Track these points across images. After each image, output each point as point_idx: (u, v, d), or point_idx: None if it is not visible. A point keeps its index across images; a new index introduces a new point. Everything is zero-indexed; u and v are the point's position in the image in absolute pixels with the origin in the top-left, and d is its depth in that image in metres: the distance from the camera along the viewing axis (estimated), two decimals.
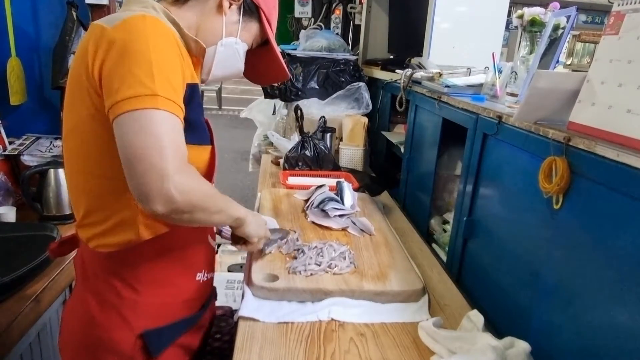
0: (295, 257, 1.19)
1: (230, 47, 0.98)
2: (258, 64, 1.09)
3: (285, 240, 1.25)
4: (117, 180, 0.83)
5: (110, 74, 0.76)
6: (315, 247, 1.22)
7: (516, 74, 1.16)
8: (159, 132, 0.73)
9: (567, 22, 1.06)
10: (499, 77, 1.30)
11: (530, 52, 1.14)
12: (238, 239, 1.07)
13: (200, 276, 1.02)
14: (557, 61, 1.06)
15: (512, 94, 1.16)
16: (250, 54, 1.05)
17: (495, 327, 1.03)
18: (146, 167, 0.72)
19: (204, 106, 1.06)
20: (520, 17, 1.12)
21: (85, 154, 0.85)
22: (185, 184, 0.75)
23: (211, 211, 0.85)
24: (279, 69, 1.10)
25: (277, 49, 1.07)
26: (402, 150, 1.87)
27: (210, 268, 1.07)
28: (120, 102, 0.74)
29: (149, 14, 0.81)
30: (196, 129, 0.89)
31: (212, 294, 1.13)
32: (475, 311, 0.98)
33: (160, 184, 0.73)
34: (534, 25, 1.11)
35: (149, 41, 0.76)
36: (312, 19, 3.12)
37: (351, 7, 2.97)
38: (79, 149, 0.86)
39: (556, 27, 1.08)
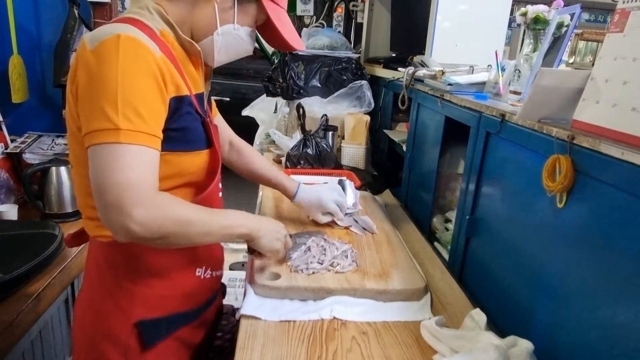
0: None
1: (229, 34, 0.96)
2: (276, 33, 1.02)
3: (308, 245, 1.21)
4: None
5: (81, 100, 0.79)
6: (318, 244, 1.22)
7: (519, 72, 1.15)
8: (117, 167, 0.75)
9: (571, 20, 1.06)
10: (502, 75, 1.29)
11: (534, 50, 1.13)
12: (253, 249, 1.06)
13: (201, 272, 1.02)
14: (561, 59, 1.06)
15: (515, 92, 1.16)
16: (266, 23, 1.01)
17: (498, 326, 1.02)
18: (105, 202, 0.76)
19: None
20: (524, 14, 1.12)
21: (81, 158, 0.87)
22: (145, 216, 0.76)
23: (191, 235, 0.85)
24: (291, 41, 1.03)
25: (282, 27, 1.00)
26: (404, 148, 1.86)
27: (215, 266, 1.07)
28: (87, 134, 0.78)
29: (124, 33, 0.79)
30: (186, 137, 0.90)
31: (218, 291, 1.14)
32: (477, 310, 0.98)
33: (118, 218, 0.75)
34: (538, 23, 1.11)
35: (117, 69, 0.77)
36: (314, 17, 3.11)
37: (353, 5, 2.96)
38: (77, 153, 0.89)
39: (560, 25, 1.07)
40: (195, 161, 0.93)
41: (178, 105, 0.86)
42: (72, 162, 0.93)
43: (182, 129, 0.88)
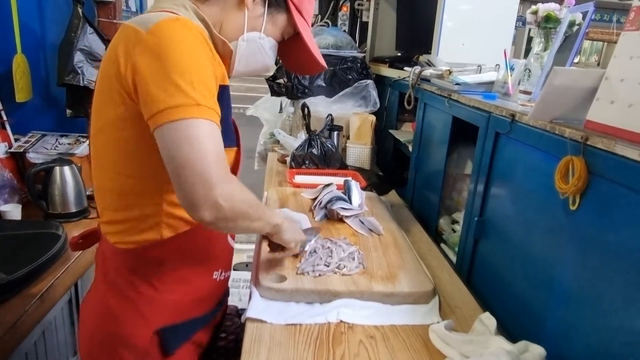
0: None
1: (253, 43, 0.95)
2: (296, 52, 1.04)
3: (317, 238, 1.24)
4: (143, 180, 0.85)
5: (148, 81, 0.75)
6: (324, 246, 1.20)
7: (530, 71, 1.13)
8: (203, 142, 0.74)
9: (583, 18, 1.03)
10: (511, 75, 1.27)
11: (545, 49, 1.11)
12: (276, 247, 1.07)
13: (217, 275, 1.02)
14: (573, 58, 1.04)
15: (525, 92, 1.14)
16: (288, 44, 1.02)
17: (508, 330, 1.00)
18: (193, 178, 0.74)
19: None
20: (535, 12, 1.10)
21: (114, 153, 0.85)
22: (229, 192, 0.77)
23: (252, 218, 0.87)
24: (313, 61, 1.04)
25: (310, 42, 1.01)
26: (410, 148, 1.85)
27: (227, 267, 1.07)
28: (163, 111, 0.74)
29: (180, 15, 0.80)
30: (225, 130, 0.88)
31: (227, 292, 1.14)
32: (487, 314, 0.96)
33: (207, 193, 0.74)
34: (549, 22, 1.09)
35: (185, 46, 0.76)
36: (319, 16, 3.10)
37: (358, 4, 2.94)
38: (108, 148, 0.86)
39: (572, 24, 1.05)
40: (227, 158, 0.91)
41: (222, 95, 0.85)
42: (100, 158, 0.88)
43: (222, 122, 0.86)
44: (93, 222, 1.68)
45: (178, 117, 0.73)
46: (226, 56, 0.93)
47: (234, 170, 0.95)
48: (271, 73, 2.36)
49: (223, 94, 0.85)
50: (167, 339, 0.91)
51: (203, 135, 0.75)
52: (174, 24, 0.77)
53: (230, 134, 0.92)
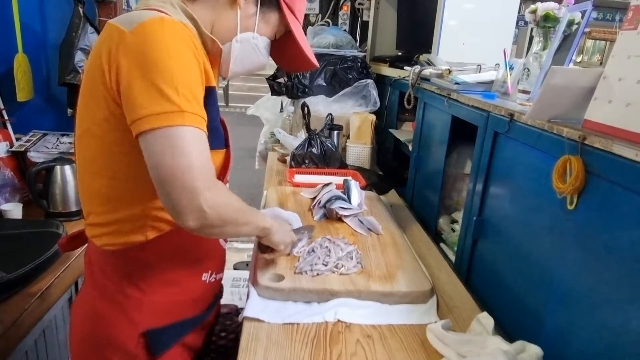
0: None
1: (247, 43, 0.94)
2: (288, 50, 1.04)
3: (310, 237, 1.25)
4: (128, 182, 0.84)
5: (131, 84, 0.74)
6: (322, 245, 1.20)
7: (529, 70, 1.13)
8: (188, 150, 0.74)
9: (582, 17, 1.03)
10: (510, 74, 1.27)
11: (544, 48, 1.11)
12: (265, 248, 1.08)
13: (207, 276, 1.00)
14: (572, 58, 1.03)
15: (524, 91, 1.13)
16: (280, 42, 1.02)
17: (506, 330, 1.00)
18: (178, 187, 0.73)
19: None
20: (534, 12, 1.09)
21: (98, 155, 0.84)
22: (215, 199, 0.76)
23: (239, 224, 0.87)
24: (304, 60, 1.04)
25: (302, 40, 1.01)
26: (410, 148, 1.85)
27: (219, 269, 1.06)
28: (146, 117, 0.73)
29: (166, 15, 0.78)
30: (211, 133, 0.87)
31: (219, 294, 1.12)
32: (485, 314, 0.96)
33: (192, 201, 0.74)
34: (548, 21, 1.08)
35: (169, 49, 0.74)
36: (320, 15, 3.10)
37: (359, 4, 2.94)
38: (92, 150, 0.85)
39: (570, 23, 1.04)
40: (215, 161, 0.90)
41: (209, 96, 0.84)
42: (84, 161, 0.87)
43: (209, 124, 0.85)
44: None
45: (161, 124, 0.72)
46: (215, 55, 0.92)
47: (224, 171, 0.94)
48: (265, 70, 2.35)
49: (210, 96, 0.84)
50: (154, 341, 0.90)
51: (187, 144, 0.73)
52: (159, 24, 0.75)
53: (218, 136, 0.91)
